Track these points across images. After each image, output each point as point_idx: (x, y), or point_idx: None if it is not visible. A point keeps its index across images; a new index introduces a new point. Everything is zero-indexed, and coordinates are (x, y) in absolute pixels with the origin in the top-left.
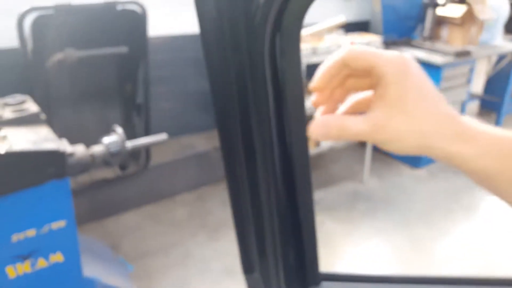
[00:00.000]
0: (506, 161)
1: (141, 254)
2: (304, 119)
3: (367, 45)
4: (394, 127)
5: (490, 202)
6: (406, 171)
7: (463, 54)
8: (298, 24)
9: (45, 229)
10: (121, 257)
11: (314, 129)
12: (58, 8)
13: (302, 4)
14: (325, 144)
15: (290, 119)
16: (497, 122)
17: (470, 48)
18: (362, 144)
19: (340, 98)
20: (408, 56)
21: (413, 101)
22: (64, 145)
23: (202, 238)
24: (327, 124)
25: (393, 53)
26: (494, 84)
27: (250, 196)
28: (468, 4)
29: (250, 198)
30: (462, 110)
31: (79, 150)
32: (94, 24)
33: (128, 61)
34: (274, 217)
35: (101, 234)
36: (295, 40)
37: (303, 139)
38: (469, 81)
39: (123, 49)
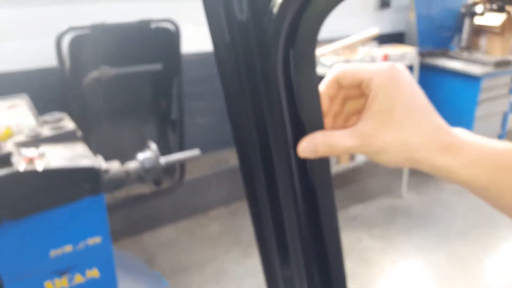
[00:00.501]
0: (494, 173)
1: (176, 270)
2: None
3: (401, 57)
4: (380, 139)
5: None
6: (447, 185)
7: (503, 64)
8: (312, 38)
9: (81, 245)
10: (157, 272)
11: (301, 148)
12: (94, 27)
13: (316, 17)
14: (361, 158)
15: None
16: None
17: (510, 57)
18: None
19: (342, 124)
20: (399, 66)
21: (400, 113)
22: (99, 162)
23: (236, 254)
24: (313, 141)
25: (382, 64)
26: None
27: (272, 217)
28: (508, 12)
29: (272, 220)
30: (504, 121)
31: (114, 166)
32: (129, 42)
33: (162, 77)
34: (297, 238)
35: (137, 249)
36: (310, 54)
37: (324, 157)
38: (510, 91)
39: (157, 66)
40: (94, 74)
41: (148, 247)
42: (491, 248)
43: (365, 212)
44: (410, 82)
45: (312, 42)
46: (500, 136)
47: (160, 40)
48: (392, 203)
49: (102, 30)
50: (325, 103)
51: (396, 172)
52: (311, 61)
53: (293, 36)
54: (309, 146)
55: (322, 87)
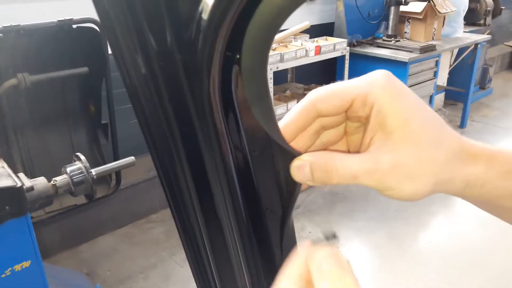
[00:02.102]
0: None
1: (119, 280)
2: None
3: (333, 48)
4: (402, 162)
5: None
6: None
7: (428, 49)
8: (265, 48)
9: (8, 272)
10: (98, 285)
11: (293, 172)
12: (6, 31)
13: (272, 20)
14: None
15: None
16: (464, 112)
17: (434, 42)
18: None
19: None
20: (384, 71)
21: (418, 126)
22: (21, 180)
23: (182, 256)
24: (309, 165)
25: (373, 75)
26: (456, 76)
27: (206, 229)
28: (430, 0)
29: (206, 232)
30: (431, 103)
31: (40, 183)
32: (49, 44)
33: (89, 80)
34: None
35: (76, 262)
36: (260, 70)
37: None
38: (435, 75)
39: (83, 70)
40: (11, 82)
41: (88, 259)
42: (425, 224)
43: (307, 200)
44: (408, 88)
45: (265, 52)
46: None
47: (83, 41)
48: (331, 189)
49: (16, 33)
50: (291, 137)
51: None
52: (261, 79)
53: (234, 49)
54: (301, 171)
55: (291, 117)
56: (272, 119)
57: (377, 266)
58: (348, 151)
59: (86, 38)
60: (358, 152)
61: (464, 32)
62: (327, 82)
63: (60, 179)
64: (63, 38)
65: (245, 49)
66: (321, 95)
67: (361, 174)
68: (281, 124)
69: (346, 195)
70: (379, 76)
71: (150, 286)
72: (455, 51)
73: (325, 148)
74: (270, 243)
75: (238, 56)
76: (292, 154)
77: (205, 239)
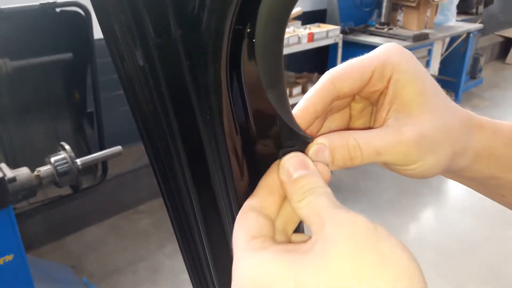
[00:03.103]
0: None
1: (107, 273)
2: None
3: (326, 35)
4: (424, 132)
5: (456, 182)
6: None
7: (421, 37)
8: (286, 12)
9: None
10: (85, 278)
11: (311, 151)
12: None
13: None
14: None
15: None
16: (455, 101)
17: (427, 31)
18: None
19: None
20: (393, 43)
21: (432, 93)
22: (3, 171)
23: (171, 248)
24: (328, 148)
25: (385, 47)
26: (448, 65)
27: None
28: None
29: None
30: None
31: (22, 173)
32: (31, 29)
33: (74, 67)
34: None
35: (62, 255)
36: (276, 45)
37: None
38: (428, 64)
39: (67, 56)
40: None
41: (74, 252)
42: (416, 215)
43: None
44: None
45: (283, 25)
46: None
47: (68, 26)
48: None
49: None
50: (308, 123)
51: None
52: (277, 57)
53: (246, 20)
54: (320, 151)
55: (309, 100)
56: (286, 103)
57: None
58: None
59: (71, 23)
60: None
61: (456, 21)
62: (319, 70)
63: (44, 170)
64: (46, 22)
65: (260, 21)
66: (339, 72)
67: (385, 149)
68: (298, 108)
69: (338, 186)
70: (392, 46)
71: (138, 280)
72: (447, 40)
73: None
74: None
75: (249, 29)
76: (307, 141)
77: (202, 234)
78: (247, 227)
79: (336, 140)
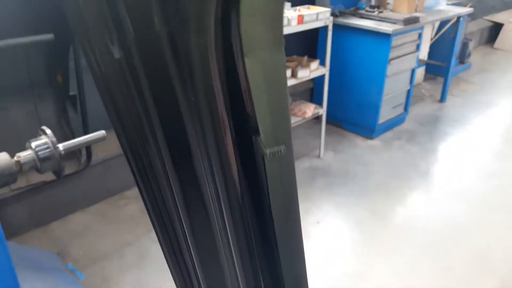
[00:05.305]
0: None
1: (93, 259)
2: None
3: (316, 18)
4: None
5: (444, 166)
6: (361, 143)
7: (412, 21)
8: None
9: None
10: (70, 265)
11: None
12: None
13: None
14: None
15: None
16: (444, 86)
17: (417, 14)
18: (316, 118)
19: None
20: None
21: None
22: None
23: None
24: None
25: None
26: (437, 49)
27: (186, 212)
28: None
29: (186, 215)
30: (412, 76)
31: (2, 159)
32: (10, 8)
33: (56, 48)
34: (228, 234)
35: (47, 241)
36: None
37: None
38: (418, 47)
39: (48, 37)
40: None
41: (59, 238)
42: (404, 198)
43: None
44: None
45: None
46: (408, 91)
47: (48, 5)
48: (311, 164)
49: None
50: None
51: (313, 134)
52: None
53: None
54: None
55: None
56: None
57: (358, 241)
58: None
59: (52, 2)
60: None
61: (446, 4)
62: (309, 53)
63: (24, 155)
64: (26, 1)
65: None
66: None
67: None
68: None
69: (326, 170)
70: None
71: (125, 265)
72: (436, 24)
73: None
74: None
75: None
76: None
77: (186, 231)
78: None
79: None
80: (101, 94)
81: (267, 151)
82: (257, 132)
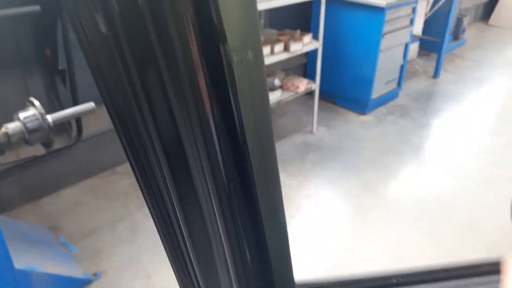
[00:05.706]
0: None
1: (85, 233)
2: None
3: None
4: None
5: (437, 141)
6: (354, 118)
7: None
8: None
9: None
10: (62, 238)
11: None
12: None
13: None
14: (272, 98)
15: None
16: (438, 62)
17: None
18: (309, 94)
19: None
20: None
21: None
22: None
23: None
24: None
25: None
26: (431, 25)
27: (174, 184)
28: None
29: (175, 187)
30: (406, 52)
31: None
32: None
33: (43, 21)
34: (215, 207)
35: (38, 216)
36: None
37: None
38: (412, 22)
39: (34, 8)
40: None
41: (50, 213)
42: (396, 173)
43: (279, 151)
44: None
45: None
46: (402, 66)
47: None
48: (304, 140)
49: None
50: None
51: (306, 109)
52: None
53: None
54: None
55: None
56: None
57: (350, 214)
58: None
59: None
60: None
61: None
62: (302, 27)
63: (12, 127)
64: None
65: None
66: None
67: None
68: None
69: (319, 145)
70: None
71: (117, 239)
72: (431, 0)
73: None
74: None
75: None
76: None
77: (175, 202)
78: None
79: None
80: (91, 68)
81: (234, 57)
82: (224, 39)
